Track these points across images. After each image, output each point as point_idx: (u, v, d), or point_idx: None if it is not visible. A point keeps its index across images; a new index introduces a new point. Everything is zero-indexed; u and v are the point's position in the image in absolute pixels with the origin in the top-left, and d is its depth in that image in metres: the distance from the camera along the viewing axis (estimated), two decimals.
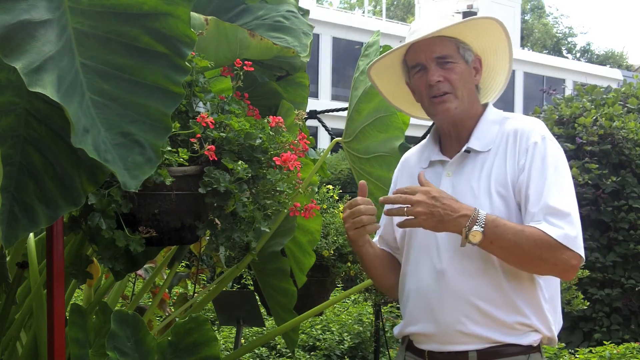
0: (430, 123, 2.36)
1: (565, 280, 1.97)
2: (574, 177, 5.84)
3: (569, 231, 1.84)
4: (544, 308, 1.94)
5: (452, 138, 2.06)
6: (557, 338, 1.99)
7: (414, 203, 1.87)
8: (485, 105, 2.08)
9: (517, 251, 1.85)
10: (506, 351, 1.92)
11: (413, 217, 1.88)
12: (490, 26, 2.04)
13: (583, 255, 1.86)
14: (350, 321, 5.94)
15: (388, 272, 2.16)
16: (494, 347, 1.92)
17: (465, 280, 1.93)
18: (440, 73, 1.98)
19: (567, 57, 46.29)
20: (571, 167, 5.97)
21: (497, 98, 2.14)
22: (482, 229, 1.83)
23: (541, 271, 1.92)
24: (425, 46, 1.99)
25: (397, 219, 1.99)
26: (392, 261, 2.18)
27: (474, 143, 2.00)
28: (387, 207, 2.02)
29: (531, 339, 1.93)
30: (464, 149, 2.00)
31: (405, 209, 1.89)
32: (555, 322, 1.98)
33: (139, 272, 3.44)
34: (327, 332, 5.73)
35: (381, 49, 2.83)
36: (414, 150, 2.22)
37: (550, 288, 1.97)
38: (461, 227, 1.85)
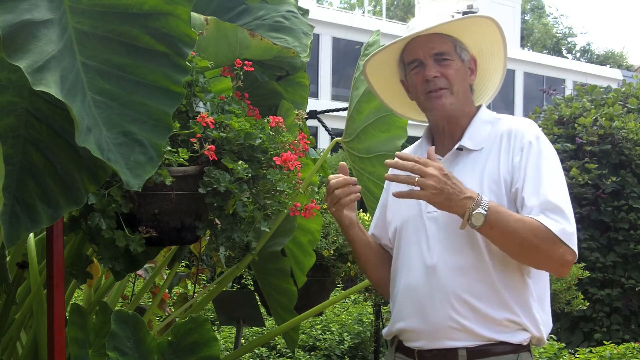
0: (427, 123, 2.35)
1: (558, 277, 1.98)
2: (574, 177, 5.88)
3: (566, 227, 1.86)
4: (532, 307, 1.95)
5: (445, 136, 2.07)
6: (545, 339, 2.00)
7: (427, 175, 1.84)
8: (479, 106, 2.10)
9: (515, 239, 1.85)
10: (496, 350, 1.92)
11: (420, 188, 1.85)
12: (487, 27, 2.05)
13: (577, 252, 1.88)
14: (350, 321, 5.95)
15: (380, 265, 2.15)
16: (483, 346, 1.92)
17: (455, 275, 1.93)
18: (438, 69, 2.00)
19: (567, 57, 46.29)
20: (571, 167, 5.99)
21: (491, 100, 2.15)
22: (485, 212, 1.83)
23: (536, 263, 1.92)
24: (423, 43, 2.01)
25: (392, 213, 2.00)
26: (385, 255, 2.17)
27: (466, 141, 2.01)
28: (392, 171, 1.94)
29: (521, 338, 1.94)
30: (456, 146, 2.02)
31: (417, 179, 1.86)
32: (543, 323, 1.98)
33: (139, 272, 3.44)
34: (327, 332, 5.74)
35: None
36: (408, 150, 2.22)
37: (539, 289, 1.98)
38: (465, 209, 1.85)
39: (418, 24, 2.04)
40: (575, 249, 1.88)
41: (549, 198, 1.88)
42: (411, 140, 3.06)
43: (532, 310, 1.95)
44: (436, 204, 1.87)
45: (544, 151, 1.94)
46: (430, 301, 1.95)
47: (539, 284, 1.98)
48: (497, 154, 1.97)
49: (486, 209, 1.84)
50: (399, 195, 1.90)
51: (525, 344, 1.95)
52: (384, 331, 2.11)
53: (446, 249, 1.94)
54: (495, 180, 1.95)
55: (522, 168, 1.92)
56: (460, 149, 2.02)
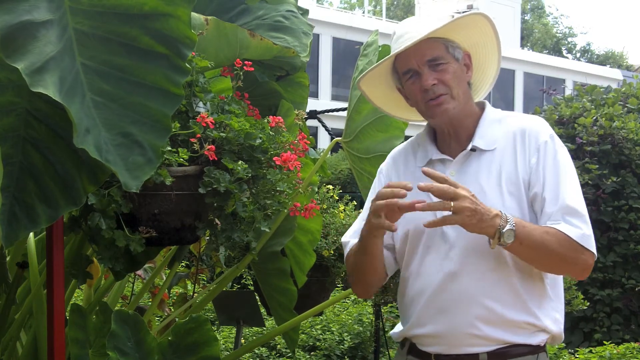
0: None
1: (579, 279, 1.98)
2: None
3: (586, 231, 1.87)
4: (550, 307, 1.95)
5: (450, 137, 2.04)
6: (563, 335, 1.99)
7: (460, 198, 1.76)
8: (483, 105, 2.08)
9: (544, 251, 1.84)
10: (516, 351, 1.91)
11: (454, 212, 1.77)
12: (477, 21, 2.01)
13: (596, 253, 1.89)
14: (350, 321, 5.95)
15: (376, 270, 2.04)
16: (503, 348, 1.91)
17: (477, 280, 1.91)
18: (434, 76, 1.95)
19: (567, 57, 46.28)
20: None
21: (487, 93, 2.13)
22: (513, 228, 1.80)
23: (560, 271, 1.93)
24: (414, 51, 1.96)
25: (406, 217, 1.90)
26: (382, 258, 2.05)
27: (478, 142, 1.98)
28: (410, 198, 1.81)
29: (539, 339, 1.94)
30: (469, 147, 1.98)
31: (452, 203, 1.76)
32: (560, 320, 1.98)
33: (139, 272, 3.44)
34: (327, 332, 5.74)
35: (380, 49, 2.83)
36: (403, 148, 2.16)
37: (555, 286, 1.98)
38: (496, 227, 1.79)
39: (405, 32, 1.98)
40: (595, 251, 1.88)
41: (567, 202, 1.87)
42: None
43: (551, 309, 1.95)
44: (470, 226, 1.80)
45: (559, 151, 1.93)
46: (451, 307, 1.92)
47: (555, 281, 1.98)
48: (512, 154, 1.94)
49: (513, 224, 1.81)
50: (430, 225, 1.81)
51: (542, 344, 1.95)
52: (394, 334, 2.08)
53: (467, 254, 1.90)
54: (514, 183, 1.92)
55: (540, 171, 1.91)
56: (473, 149, 1.98)
